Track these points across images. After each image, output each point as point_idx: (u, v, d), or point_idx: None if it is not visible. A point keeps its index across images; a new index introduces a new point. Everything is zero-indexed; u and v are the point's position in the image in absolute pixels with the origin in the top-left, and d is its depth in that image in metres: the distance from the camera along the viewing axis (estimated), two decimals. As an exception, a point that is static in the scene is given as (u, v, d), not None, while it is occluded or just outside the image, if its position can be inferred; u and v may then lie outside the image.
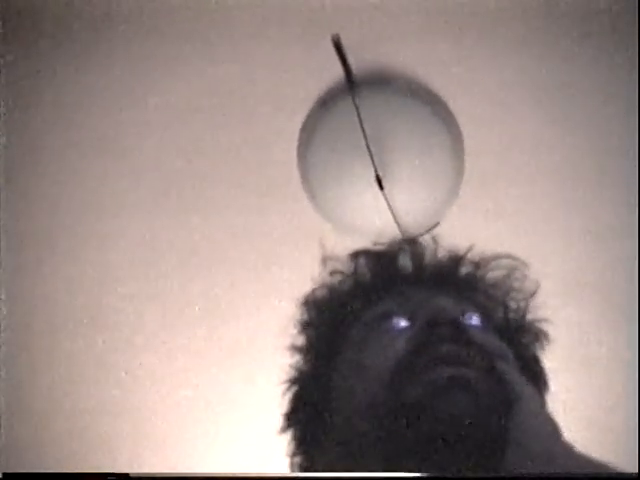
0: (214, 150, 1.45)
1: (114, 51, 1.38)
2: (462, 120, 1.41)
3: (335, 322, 0.72)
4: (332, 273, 0.75)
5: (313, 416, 0.69)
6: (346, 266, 0.75)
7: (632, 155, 1.39)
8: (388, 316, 0.67)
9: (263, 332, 1.54)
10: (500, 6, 1.34)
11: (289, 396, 0.73)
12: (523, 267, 0.75)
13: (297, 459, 0.71)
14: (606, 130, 1.41)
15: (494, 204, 1.46)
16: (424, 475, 0.58)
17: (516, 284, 0.74)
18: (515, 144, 1.43)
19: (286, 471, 0.72)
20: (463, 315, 0.67)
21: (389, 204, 1.40)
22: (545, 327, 0.74)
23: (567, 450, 0.56)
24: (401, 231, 1.42)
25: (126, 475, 0.71)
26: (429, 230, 1.43)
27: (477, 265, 0.75)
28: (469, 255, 0.75)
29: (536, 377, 0.73)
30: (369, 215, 1.43)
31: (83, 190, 1.49)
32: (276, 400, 0.73)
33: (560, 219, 1.47)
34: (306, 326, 0.74)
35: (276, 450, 0.72)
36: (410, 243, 0.77)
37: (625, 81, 1.34)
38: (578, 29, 1.34)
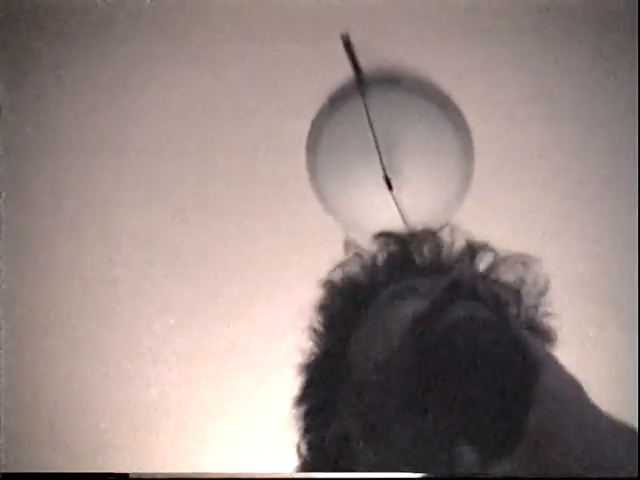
0: (223, 149, 1.45)
1: (121, 50, 1.38)
2: (471, 120, 1.41)
3: (351, 304, 0.72)
4: (353, 256, 0.76)
5: (325, 395, 0.69)
6: (366, 251, 0.76)
7: (633, 154, 1.39)
8: (407, 291, 0.68)
9: (270, 334, 1.54)
10: (508, 8, 1.33)
11: (301, 379, 0.73)
12: (535, 264, 0.75)
13: (306, 437, 0.71)
14: (610, 130, 1.41)
15: (502, 204, 1.45)
16: (424, 475, 0.58)
17: (529, 280, 0.74)
18: (523, 144, 1.43)
19: (288, 470, 0.72)
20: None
21: (397, 204, 1.40)
22: (554, 324, 0.74)
23: (593, 409, 0.56)
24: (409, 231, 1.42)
25: (126, 475, 0.70)
26: (438, 230, 1.42)
27: (493, 257, 0.75)
28: (485, 248, 0.75)
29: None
30: (377, 215, 1.42)
31: (83, 190, 1.48)
32: (281, 400, 0.73)
33: (565, 218, 1.46)
34: (322, 308, 0.74)
35: (279, 449, 0.72)
36: (429, 233, 0.77)
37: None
38: (579, 29, 1.34)
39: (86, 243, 1.52)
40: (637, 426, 0.50)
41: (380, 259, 0.75)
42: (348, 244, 0.77)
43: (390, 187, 1.39)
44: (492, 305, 0.65)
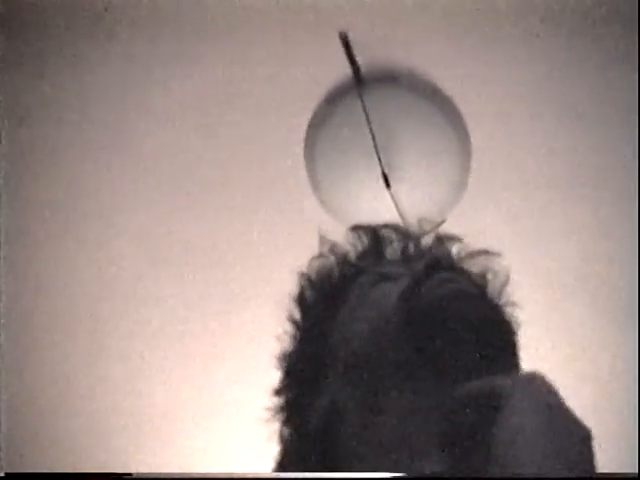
0: (221, 147, 1.45)
1: (121, 49, 1.38)
2: (469, 119, 1.41)
3: (328, 293, 0.74)
4: (329, 249, 0.77)
5: (306, 382, 0.71)
6: (341, 245, 0.77)
7: (632, 154, 1.39)
8: (386, 275, 0.70)
9: (263, 331, 1.54)
10: (506, 7, 1.34)
11: (280, 369, 0.74)
12: (498, 257, 0.77)
13: (287, 428, 0.72)
14: (608, 129, 1.42)
15: (499, 200, 1.46)
16: (424, 475, 0.59)
17: (492, 269, 0.76)
18: (520, 143, 1.43)
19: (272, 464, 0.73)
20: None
21: (395, 202, 1.41)
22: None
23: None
24: (407, 228, 1.42)
25: (129, 475, 0.71)
26: (435, 227, 1.43)
27: (461, 252, 0.77)
28: (454, 239, 0.77)
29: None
30: (375, 212, 1.43)
31: (83, 189, 1.49)
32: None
33: (563, 216, 1.47)
34: (300, 299, 0.76)
35: (266, 448, 0.73)
36: (395, 226, 0.79)
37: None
38: (579, 29, 1.34)
39: (85, 244, 1.52)
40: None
41: (352, 252, 0.77)
42: (322, 239, 0.78)
43: (388, 184, 1.39)
44: (470, 277, 0.68)
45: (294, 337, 0.74)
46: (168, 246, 1.51)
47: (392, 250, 0.75)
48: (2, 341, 1.52)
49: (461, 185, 1.44)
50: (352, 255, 0.75)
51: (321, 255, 0.76)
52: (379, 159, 1.38)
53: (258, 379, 1.55)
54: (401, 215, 1.42)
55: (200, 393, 1.61)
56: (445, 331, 0.61)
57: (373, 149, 1.38)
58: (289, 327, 0.75)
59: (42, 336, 1.58)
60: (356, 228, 0.77)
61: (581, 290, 1.49)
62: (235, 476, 0.83)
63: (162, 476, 1.06)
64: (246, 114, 1.42)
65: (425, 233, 0.79)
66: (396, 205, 1.41)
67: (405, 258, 0.75)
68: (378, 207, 1.42)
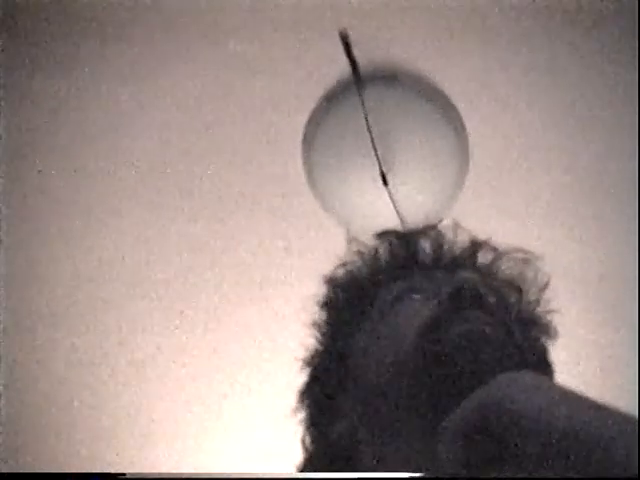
0: (218, 145, 1.45)
1: (121, 49, 1.38)
2: (467, 117, 1.42)
3: (354, 300, 0.73)
4: (355, 253, 0.76)
5: (328, 390, 0.70)
6: (369, 247, 0.76)
7: (633, 152, 1.39)
8: (411, 290, 0.69)
9: (272, 330, 1.54)
10: (505, 6, 1.34)
11: (305, 374, 0.74)
12: (536, 260, 0.76)
13: (310, 431, 0.72)
14: (608, 124, 1.42)
15: (498, 199, 1.46)
16: (424, 475, 0.59)
17: (530, 275, 0.75)
18: (519, 140, 1.43)
19: (288, 469, 0.73)
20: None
21: (393, 200, 1.41)
22: (555, 320, 0.75)
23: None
24: (404, 227, 1.43)
25: (122, 475, 0.71)
26: (432, 227, 1.43)
27: (495, 253, 0.75)
28: (487, 245, 0.76)
29: (542, 370, 0.74)
30: (373, 211, 1.43)
31: (83, 189, 1.48)
32: (282, 398, 0.74)
33: (563, 214, 1.47)
34: (325, 304, 0.75)
35: (281, 447, 0.73)
36: (431, 229, 0.78)
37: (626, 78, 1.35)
38: (578, 25, 1.34)
39: (86, 245, 1.51)
40: (638, 426, 0.50)
41: (382, 256, 0.75)
42: (351, 241, 0.77)
43: (386, 182, 1.39)
44: (494, 309, 0.66)
45: (319, 340, 0.74)
46: (172, 246, 1.51)
47: (423, 255, 0.74)
48: (1, 341, 1.52)
49: (459, 183, 1.44)
50: (381, 261, 0.75)
51: (347, 261, 0.75)
52: (377, 157, 1.38)
53: (260, 378, 1.56)
54: (398, 213, 1.42)
55: (200, 394, 1.60)
56: (458, 375, 0.60)
57: (371, 147, 1.38)
58: (313, 329, 0.74)
59: (41, 336, 1.57)
60: (385, 233, 0.77)
61: (582, 290, 1.49)
62: (233, 476, 0.83)
63: (156, 476, 1.06)
64: (245, 112, 1.42)
65: (432, 230, 0.79)
66: (394, 203, 1.41)
67: (436, 264, 0.74)
68: (376, 205, 1.42)
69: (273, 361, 1.54)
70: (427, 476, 0.59)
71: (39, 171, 1.46)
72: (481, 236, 0.75)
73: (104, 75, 1.40)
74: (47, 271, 1.54)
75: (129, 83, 1.41)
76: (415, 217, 1.43)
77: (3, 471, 1.51)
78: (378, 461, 0.63)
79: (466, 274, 0.67)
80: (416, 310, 0.66)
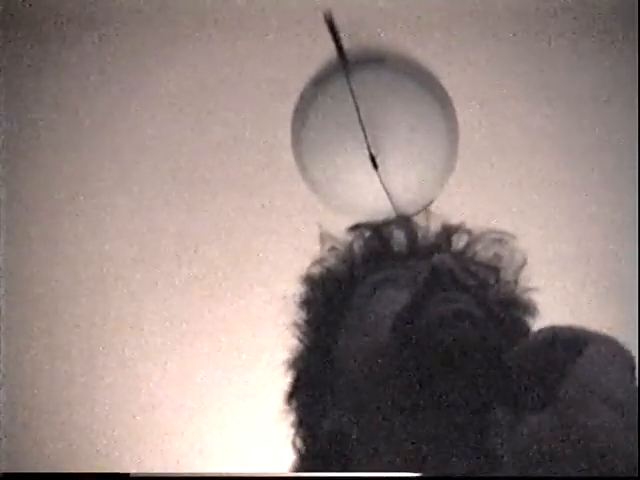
0: (207, 132, 1.44)
1: (111, 44, 1.37)
2: (456, 99, 1.41)
3: (332, 297, 0.73)
4: (330, 250, 0.76)
5: (315, 390, 0.70)
6: (343, 243, 0.76)
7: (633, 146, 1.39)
8: (386, 281, 0.69)
9: (265, 325, 1.54)
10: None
11: (290, 375, 0.74)
12: (511, 240, 0.76)
13: (300, 433, 0.72)
14: (603, 108, 1.41)
15: (487, 182, 1.46)
16: (424, 475, 0.58)
17: (506, 255, 0.75)
18: (508, 122, 1.43)
19: (290, 468, 0.73)
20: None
21: (383, 183, 1.41)
22: (535, 298, 0.75)
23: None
24: (395, 209, 1.42)
25: (126, 475, 0.71)
26: (423, 208, 1.43)
27: (469, 238, 0.75)
28: (461, 229, 0.76)
29: None
30: (363, 194, 1.43)
31: (83, 189, 1.48)
32: (268, 400, 0.74)
33: (553, 197, 1.47)
34: (304, 304, 0.75)
35: (282, 447, 0.73)
36: (403, 219, 0.77)
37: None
38: (575, 20, 1.34)
39: (85, 243, 1.51)
40: (638, 426, 0.50)
41: (357, 250, 0.75)
42: (324, 237, 0.77)
43: (375, 166, 1.39)
44: (471, 288, 0.66)
45: (301, 339, 0.74)
46: (168, 241, 1.51)
47: (398, 245, 0.74)
48: (1, 341, 1.51)
49: (449, 166, 1.44)
50: (356, 255, 0.74)
51: (323, 258, 0.75)
52: (366, 140, 1.38)
53: (259, 378, 1.56)
54: (389, 196, 1.42)
55: (200, 394, 1.60)
56: (440, 355, 0.60)
57: (360, 130, 1.37)
58: (294, 329, 0.74)
59: (41, 335, 1.57)
60: (357, 227, 0.76)
61: (573, 274, 1.49)
62: (234, 475, 0.84)
63: (159, 476, 1.06)
64: (232, 98, 1.41)
65: (414, 214, 0.79)
66: (384, 186, 1.41)
67: (411, 252, 0.73)
68: (366, 188, 1.42)
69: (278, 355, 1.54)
70: (427, 476, 0.59)
71: (37, 170, 1.45)
72: (471, 219, 0.75)
73: (105, 73, 1.39)
74: (47, 271, 1.53)
75: (123, 72, 1.40)
76: (405, 200, 1.43)
77: (5, 471, 1.51)
78: (369, 458, 0.63)
79: (441, 258, 0.67)
80: (392, 298, 0.65)
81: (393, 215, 0.78)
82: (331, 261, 0.75)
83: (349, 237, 0.76)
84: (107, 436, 1.62)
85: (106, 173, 1.47)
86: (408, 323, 0.62)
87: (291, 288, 0.74)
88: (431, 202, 1.44)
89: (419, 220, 0.77)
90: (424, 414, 0.59)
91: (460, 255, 0.74)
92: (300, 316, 0.75)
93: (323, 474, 0.67)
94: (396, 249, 0.74)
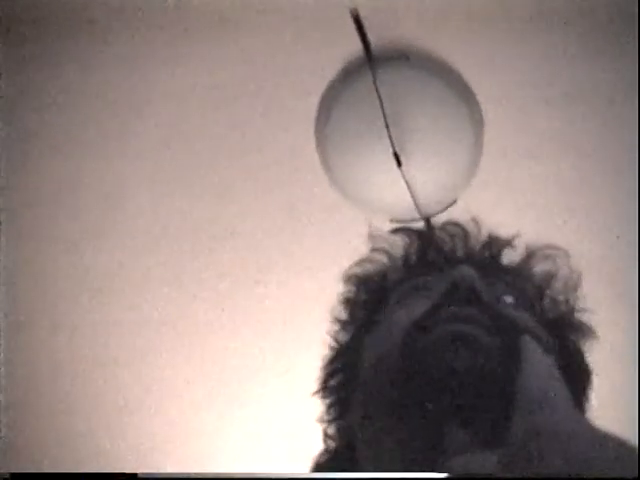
0: (231, 127, 1.44)
1: (125, 39, 1.37)
2: (481, 98, 1.40)
3: (370, 299, 0.73)
4: (374, 250, 0.76)
5: (344, 383, 0.71)
6: (389, 244, 0.76)
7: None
8: (415, 289, 0.68)
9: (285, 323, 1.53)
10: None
11: (325, 366, 0.74)
12: (567, 258, 0.74)
13: (331, 428, 0.72)
14: (617, 110, 1.40)
15: (512, 181, 1.45)
16: (424, 475, 0.58)
17: (561, 276, 0.73)
18: (534, 122, 1.42)
19: (292, 470, 0.73)
20: (498, 298, 0.67)
21: (406, 181, 1.40)
22: (589, 320, 0.73)
23: (577, 421, 0.55)
24: (418, 208, 1.42)
25: (134, 475, 0.72)
26: (446, 207, 1.43)
27: (526, 252, 0.74)
28: (508, 243, 0.74)
29: (580, 371, 0.73)
30: (387, 192, 1.43)
31: (83, 189, 1.48)
32: (289, 399, 0.75)
33: (574, 198, 1.46)
34: (346, 302, 0.75)
35: (294, 448, 0.73)
36: (451, 224, 0.76)
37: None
38: (585, 15, 1.33)
39: (86, 243, 1.51)
40: (637, 426, 0.50)
41: (402, 254, 0.75)
42: (372, 237, 0.77)
43: (399, 163, 1.39)
44: (490, 307, 0.63)
45: (337, 337, 0.74)
46: (180, 236, 1.51)
47: (436, 255, 0.73)
48: (2, 341, 1.52)
49: (473, 165, 1.43)
50: (401, 256, 0.74)
51: (368, 257, 0.75)
52: (390, 137, 1.38)
53: (264, 378, 1.56)
54: (412, 194, 1.41)
55: (206, 393, 1.61)
56: (430, 379, 0.58)
57: (385, 128, 1.37)
58: (334, 325, 0.74)
59: (44, 335, 1.58)
60: (402, 230, 0.76)
61: (596, 275, 1.48)
62: (237, 476, 0.84)
63: (167, 476, 1.07)
64: (257, 94, 1.41)
65: (437, 213, 0.78)
66: (407, 184, 1.41)
67: (453, 261, 0.72)
68: (389, 186, 1.42)
69: (290, 358, 1.55)
70: (426, 476, 0.59)
71: (37, 169, 1.46)
72: (491, 220, 0.74)
73: (105, 73, 1.39)
74: (47, 271, 1.53)
75: (133, 60, 1.39)
76: (429, 198, 1.43)
77: (13, 471, 1.52)
78: (373, 461, 0.63)
79: (464, 270, 0.65)
80: (412, 309, 0.65)
81: (418, 215, 0.77)
82: (375, 262, 0.76)
83: (393, 240, 0.76)
84: (115, 436, 1.62)
85: (113, 175, 1.47)
86: (414, 338, 0.61)
87: (328, 279, 0.75)
88: (454, 201, 1.43)
89: (469, 227, 0.75)
90: (413, 424, 0.59)
91: (511, 271, 0.73)
92: (340, 313, 0.75)
93: (324, 474, 0.67)
94: (435, 257, 0.73)
